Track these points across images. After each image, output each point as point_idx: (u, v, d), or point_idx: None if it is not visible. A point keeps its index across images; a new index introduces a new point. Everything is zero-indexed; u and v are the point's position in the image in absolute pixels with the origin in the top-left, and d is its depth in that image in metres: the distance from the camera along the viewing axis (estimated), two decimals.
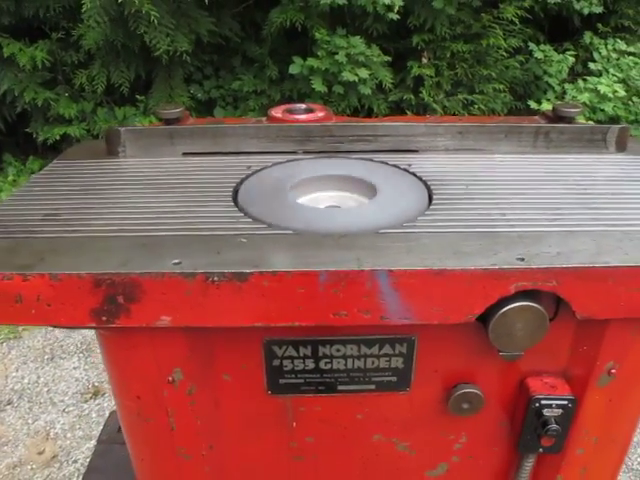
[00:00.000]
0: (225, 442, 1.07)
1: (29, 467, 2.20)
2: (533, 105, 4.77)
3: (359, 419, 1.07)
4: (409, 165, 1.20)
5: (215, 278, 0.82)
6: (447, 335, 0.97)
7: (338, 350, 0.97)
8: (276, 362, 0.98)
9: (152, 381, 0.96)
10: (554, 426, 0.99)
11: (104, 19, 3.81)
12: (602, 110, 4.87)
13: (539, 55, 4.98)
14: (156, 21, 3.74)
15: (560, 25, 5.32)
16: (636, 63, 5.18)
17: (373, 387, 1.02)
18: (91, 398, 2.54)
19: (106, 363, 1.04)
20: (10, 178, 4.32)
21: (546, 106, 4.61)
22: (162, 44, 3.94)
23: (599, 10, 4.92)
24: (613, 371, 0.99)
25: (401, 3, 3.99)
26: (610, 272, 0.84)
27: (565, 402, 0.99)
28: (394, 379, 1.01)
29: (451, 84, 4.82)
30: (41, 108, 4.13)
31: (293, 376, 1.00)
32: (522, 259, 0.85)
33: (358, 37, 4.18)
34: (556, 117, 1.36)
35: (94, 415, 2.44)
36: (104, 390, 2.58)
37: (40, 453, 2.26)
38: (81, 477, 1.82)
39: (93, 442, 2.23)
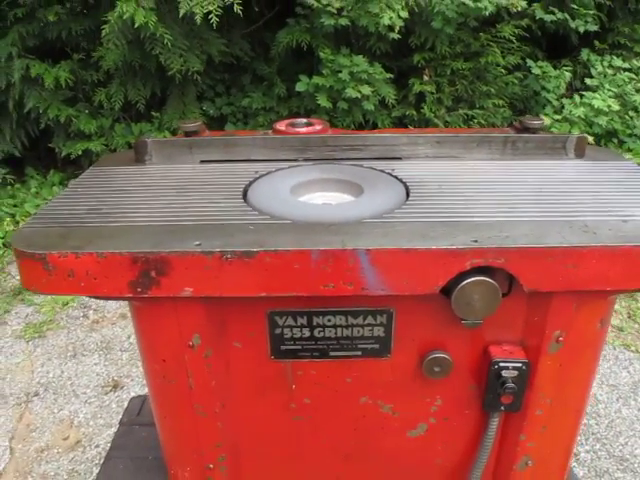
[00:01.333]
0: (235, 401, 1.27)
1: (55, 451, 2.40)
2: None
3: (348, 383, 1.26)
4: (392, 170, 1.40)
5: (228, 255, 1.02)
6: (420, 308, 1.16)
7: (329, 320, 1.17)
8: (278, 330, 1.18)
9: (175, 346, 1.17)
10: (511, 385, 1.18)
11: (122, 42, 4.07)
12: (599, 124, 5.07)
13: (537, 71, 5.20)
14: (169, 43, 3.99)
15: (559, 42, 5.54)
16: (631, 79, 5.38)
17: (359, 353, 1.21)
18: (111, 391, 2.73)
19: (137, 332, 1.25)
20: (33, 190, 4.57)
21: (545, 120, 4.79)
22: (175, 64, 4.20)
23: (594, 28, 5.13)
24: (561, 339, 1.18)
25: (401, 23, 4.22)
26: (548, 251, 1.04)
27: (520, 365, 1.18)
28: (377, 346, 1.20)
29: (452, 100, 5.05)
30: (63, 124, 4.39)
31: (292, 343, 1.19)
32: (476, 241, 1.04)
33: (360, 56, 4.42)
34: (523, 128, 1.55)
35: (114, 406, 2.64)
36: (123, 384, 2.78)
37: (65, 439, 2.46)
38: (104, 459, 2.02)
39: (114, 429, 2.42)
